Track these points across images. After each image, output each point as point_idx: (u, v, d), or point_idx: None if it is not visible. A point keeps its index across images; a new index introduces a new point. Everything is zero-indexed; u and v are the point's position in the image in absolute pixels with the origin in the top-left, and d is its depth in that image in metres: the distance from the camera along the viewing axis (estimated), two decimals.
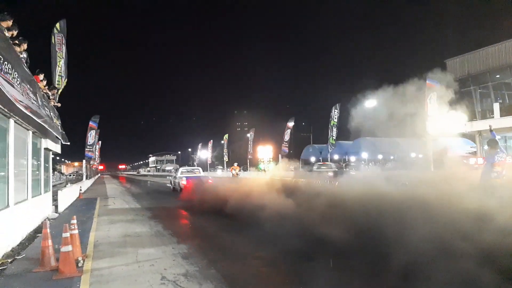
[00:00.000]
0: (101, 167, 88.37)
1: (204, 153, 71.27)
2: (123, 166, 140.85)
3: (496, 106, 23.48)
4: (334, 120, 33.36)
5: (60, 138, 13.54)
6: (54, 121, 11.70)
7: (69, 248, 5.69)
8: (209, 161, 65.90)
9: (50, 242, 6.09)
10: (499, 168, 7.39)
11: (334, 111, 33.54)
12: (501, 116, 23.17)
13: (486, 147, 7.29)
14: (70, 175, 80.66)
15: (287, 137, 39.78)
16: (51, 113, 11.45)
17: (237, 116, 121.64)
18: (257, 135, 54.18)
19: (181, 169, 23.95)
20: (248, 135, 50.81)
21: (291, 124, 40.61)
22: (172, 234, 8.66)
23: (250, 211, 9.62)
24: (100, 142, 52.08)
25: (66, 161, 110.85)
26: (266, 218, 8.56)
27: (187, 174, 21.98)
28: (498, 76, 23.86)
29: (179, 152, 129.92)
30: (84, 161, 29.94)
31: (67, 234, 5.77)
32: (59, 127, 13.23)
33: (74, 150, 57.61)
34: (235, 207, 10.77)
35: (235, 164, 36.83)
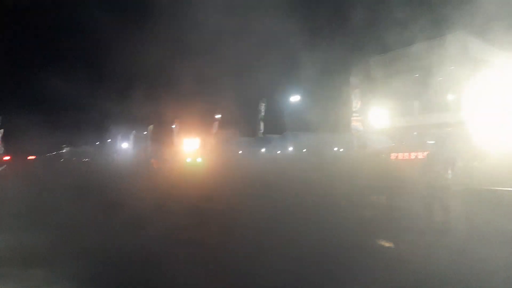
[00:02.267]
0: (7, 158, 79.27)
1: (126, 145, 67.39)
2: (33, 157, 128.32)
3: (416, 105, 24.59)
4: (262, 113, 33.01)
5: None
6: None
7: None
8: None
9: None
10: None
11: (262, 105, 33.20)
12: (419, 114, 24.35)
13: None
14: None
15: (214, 129, 38.71)
16: None
17: (164, 107, 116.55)
18: (186, 127, 52.13)
19: None
20: (173, 126, 48.72)
21: (218, 116, 39.73)
22: None
23: None
24: (2, 130, 46.16)
25: None
26: None
27: None
28: (417, 75, 25.06)
29: (98, 143, 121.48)
30: None
31: None
32: None
33: None
34: None
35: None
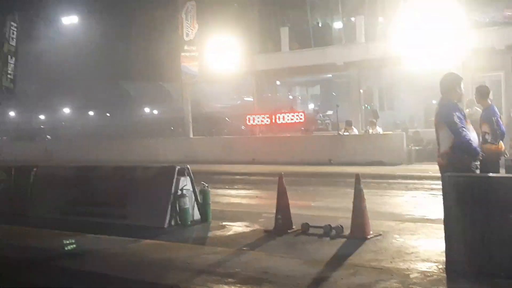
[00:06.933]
0: None
1: None
2: None
3: (285, 31, 16.04)
4: (12, 42, 18.07)
5: None
6: None
7: None
8: None
9: None
10: None
11: (11, 27, 18.20)
12: (290, 48, 15.87)
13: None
14: None
15: None
16: None
17: None
18: None
19: None
20: None
21: None
22: None
23: None
24: None
25: None
26: None
27: None
28: None
29: None
30: None
31: None
32: None
33: None
34: None
35: None
